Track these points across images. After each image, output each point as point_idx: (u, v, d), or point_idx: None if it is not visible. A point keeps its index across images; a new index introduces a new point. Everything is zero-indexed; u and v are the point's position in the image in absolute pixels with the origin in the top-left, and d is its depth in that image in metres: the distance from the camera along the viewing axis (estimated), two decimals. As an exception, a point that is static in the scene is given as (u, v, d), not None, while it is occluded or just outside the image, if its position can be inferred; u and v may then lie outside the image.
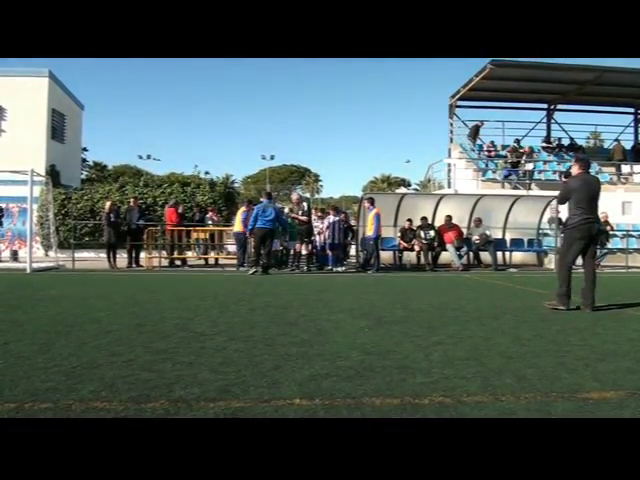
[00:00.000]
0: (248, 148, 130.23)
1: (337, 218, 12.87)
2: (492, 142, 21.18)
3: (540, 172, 19.71)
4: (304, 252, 12.66)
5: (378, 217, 12.21)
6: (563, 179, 6.84)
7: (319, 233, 12.97)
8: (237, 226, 12.76)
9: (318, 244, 13.07)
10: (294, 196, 13.46)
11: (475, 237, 13.77)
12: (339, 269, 12.71)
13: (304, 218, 12.52)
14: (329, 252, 12.86)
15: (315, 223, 13.12)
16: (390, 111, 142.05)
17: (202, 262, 14.45)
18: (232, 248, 14.28)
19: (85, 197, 17.80)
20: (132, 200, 14.02)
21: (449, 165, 20.57)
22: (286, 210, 13.21)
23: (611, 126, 23.03)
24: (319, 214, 13.59)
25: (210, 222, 14.51)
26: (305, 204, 12.93)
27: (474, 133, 21.08)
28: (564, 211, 6.88)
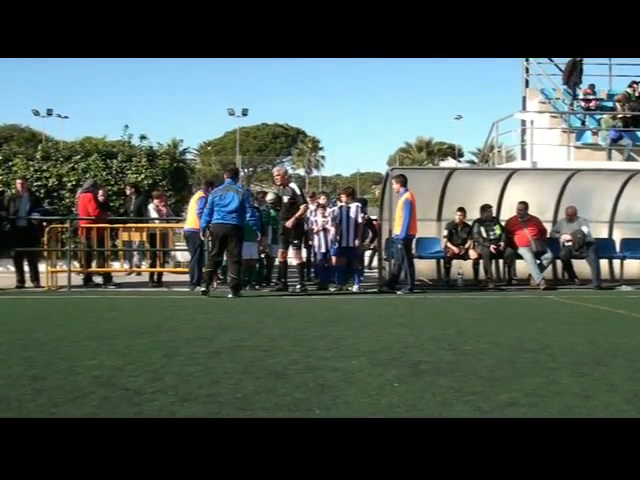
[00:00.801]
0: (208, 99, 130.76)
1: (352, 206, 12.82)
2: (592, 86, 21.07)
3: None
4: (295, 261, 12.69)
5: (410, 205, 12.17)
6: None
7: (318, 232, 12.93)
8: (190, 221, 12.76)
9: (317, 249, 13.05)
10: (278, 171, 13.24)
11: (565, 236, 13.78)
12: (353, 288, 12.74)
13: (304, 210, 12.25)
14: (335, 261, 12.81)
15: (312, 216, 13.09)
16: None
17: (137, 278, 14.44)
18: (184, 256, 14.27)
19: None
20: (19, 182, 13.99)
21: (523, 123, 20.58)
22: (269, 196, 13.08)
23: None
24: (318, 201, 13.52)
25: (156, 215, 14.40)
26: (294, 185, 12.60)
27: (569, 73, 20.86)
28: None
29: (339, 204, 13.05)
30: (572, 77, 20.85)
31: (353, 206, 12.81)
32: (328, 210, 12.96)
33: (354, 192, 14.01)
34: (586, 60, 21.23)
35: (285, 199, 12.19)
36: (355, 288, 12.72)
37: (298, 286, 12.47)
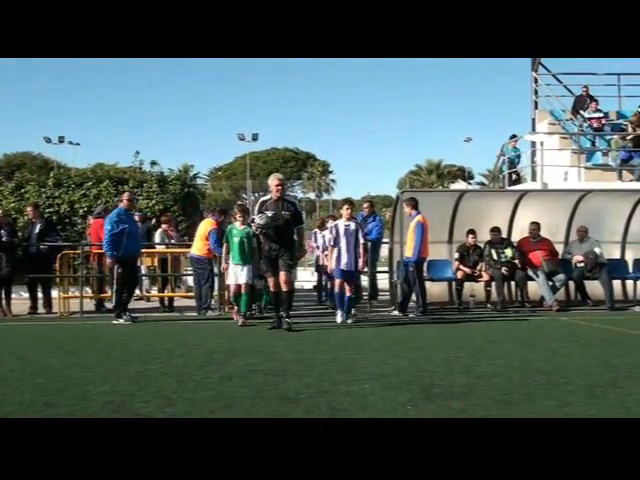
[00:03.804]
0: (218, 124, 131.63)
1: (351, 223, 11.18)
2: (596, 101, 20.85)
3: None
4: (285, 287, 10.18)
5: (422, 228, 12.13)
6: None
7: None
8: (198, 247, 12.73)
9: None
10: (279, 179, 10.39)
11: (577, 257, 13.73)
12: (349, 320, 11.06)
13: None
14: (337, 286, 11.19)
15: (323, 236, 12.96)
16: (437, 62, 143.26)
17: (148, 303, 14.45)
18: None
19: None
20: (31, 208, 14.06)
21: (533, 144, 20.58)
22: (260, 220, 9.97)
23: None
24: (328, 224, 13.22)
25: (165, 240, 14.41)
26: (293, 198, 11.24)
27: (574, 106, 20.92)
28: None
29: (336, 222, 11.45)
30: (576, 108, 20.87)
31: (352, 224, 11.21)
32: (328, 230, 12.65)
33: (353, 204, 12.03)
34: (595, 82, 21.31)
35: (286, 215, 10.07)
36: (349, 319, 11.00)
37: (288, 319, 10.08)
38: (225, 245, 11.15)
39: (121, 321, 11.17)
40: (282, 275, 10.01)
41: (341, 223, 11.16)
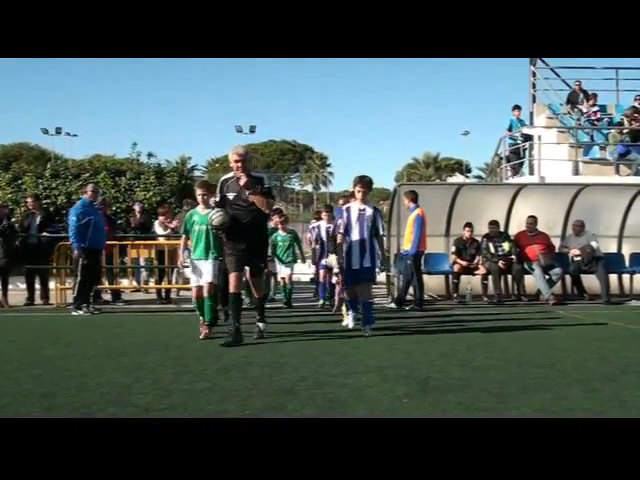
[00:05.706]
0: (216, 116, 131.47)
1: (368, 209, 8.76)
2: (594, 95, 20.89)
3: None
4: (256, 295, 8.49)
5: (421, 221, 12.11)
6: None
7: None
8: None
9: (321, 267, 12.55)
10: (239, 154, 7.75)
11: (574, 251, 13.76)
12: (349, 324, 9.10)
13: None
14: (347, 293, 9.27)
15: (314, 228, 12.83)
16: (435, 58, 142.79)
17: (145, 295, 14.44)
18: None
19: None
20: (30, 199, 14.06)
21: (531, 138, 20.59)
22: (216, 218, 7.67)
23: None
24: (325, 214, 12.74)
25: (162, 231, 14.40)
26: (262, 174, 8.92)
27: (569, 100, 20.96)
28: None
29: (348, 204, 9.10)
30: (572, 100, 20.89)
31: (369, 208, 8.81)
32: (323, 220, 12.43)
33: (371, 185, 8.86)
34: (592, 76, 21.31)
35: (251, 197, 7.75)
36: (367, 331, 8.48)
37: (261, 325, 8.19)
38: (183, 237, 8.77)
39: (81, 312, 11.27)
40: (252, 282, 8.14)
41: (354, 206, 8.79)
